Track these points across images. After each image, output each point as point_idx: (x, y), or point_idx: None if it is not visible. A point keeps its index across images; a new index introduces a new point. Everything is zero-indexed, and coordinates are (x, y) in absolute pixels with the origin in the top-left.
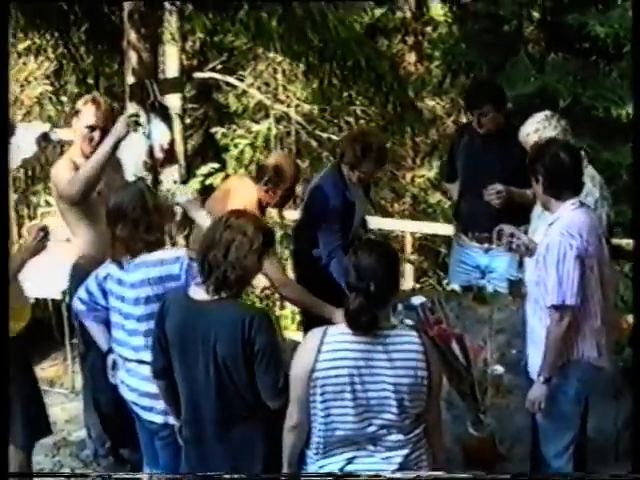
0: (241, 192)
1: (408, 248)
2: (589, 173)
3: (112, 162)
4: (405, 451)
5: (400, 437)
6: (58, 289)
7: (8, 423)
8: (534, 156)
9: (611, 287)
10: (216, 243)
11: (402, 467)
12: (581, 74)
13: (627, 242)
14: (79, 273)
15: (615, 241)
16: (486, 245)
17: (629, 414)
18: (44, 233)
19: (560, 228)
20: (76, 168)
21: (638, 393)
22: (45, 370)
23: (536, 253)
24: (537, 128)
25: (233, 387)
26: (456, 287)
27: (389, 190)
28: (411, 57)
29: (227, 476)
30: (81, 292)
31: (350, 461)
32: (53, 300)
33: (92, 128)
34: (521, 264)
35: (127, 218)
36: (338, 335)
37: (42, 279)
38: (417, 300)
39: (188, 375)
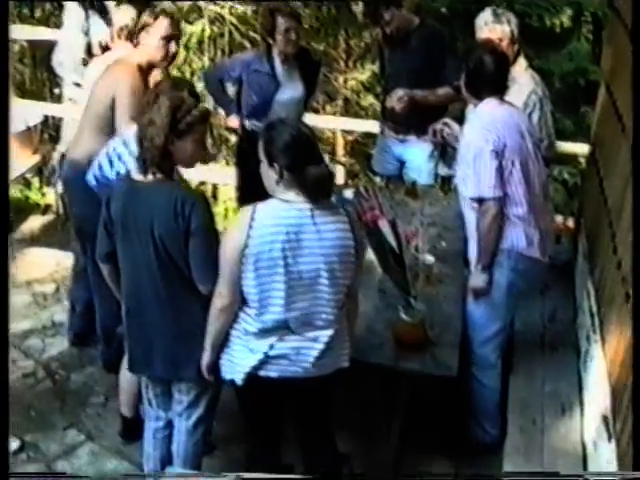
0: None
1: (339, 150)
2: (530, 74)
3: None
4: (331, 331)
5: (329, 315)
6: None
7: (8, 423)
8: (464, 54)
9: (539, 181)
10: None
11: (328, 347)
12: None
13: (563, 146)
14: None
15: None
16: (401, 136)
17: (554, 309)
18: None
19: (477, 124)
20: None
21: (637, 383)
22: None
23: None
24: (486, 21)
25: (172, 267)
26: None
27: (321, 93)
28: None
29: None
30: (93, 169)
31: (280, 339)
32: None
33: (168, 39)
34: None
35: None
36: (269, 210)
37: None
38: (349, 193)
39: (129, 255)
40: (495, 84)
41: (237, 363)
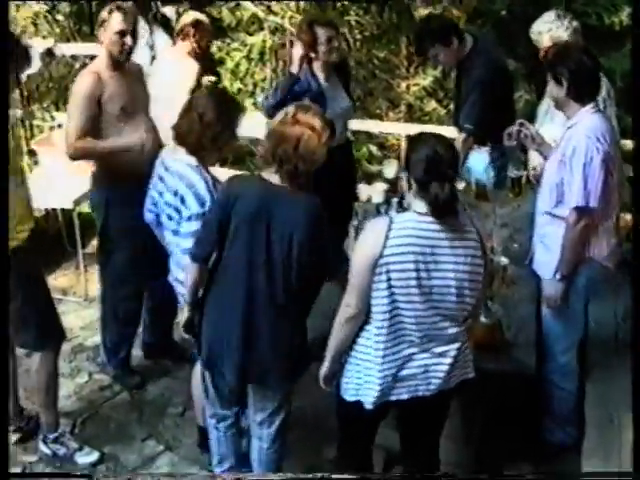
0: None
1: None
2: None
3: (136, 73)
4: (458, 344)
5: (455, 330)
6: (70, 198)
7: (8, 422)
8: (556, 59)
9: (622, 189)
10: (286, 138)
11: (455, 361)
12: None
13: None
14: (99, 182)
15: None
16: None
17: (627, 307)
18: None
19: (585, 132)
20: (100, 80)
21: (637, 388)
22: (57, 280)
23: (559, 155)
24: (550, 27)
25: (287, 270)
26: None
27: (384, 99)
28: None
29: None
30: (147, 203)
31: (409, 359)
32: (63, 210)
33: (122, 33)
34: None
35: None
36: (406, 222)
37: (53, 189)
38: None
39: (239, 255)
40: (595, 87)
41: (363, 384)
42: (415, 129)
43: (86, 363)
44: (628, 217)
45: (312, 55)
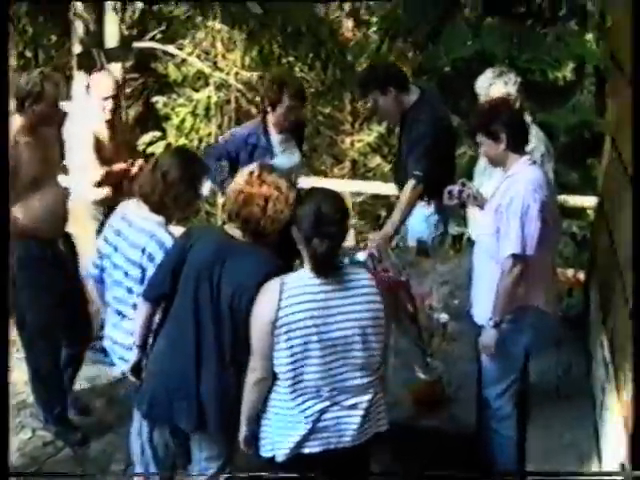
0: None
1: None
2: (535, 130)
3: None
4: (369, 396)
5: (365, 380)
6: None
7: (8, 422)
8: (492, 115)
9: (558, 238)
10: (253, 198)
11: (367, 413)
12: (517, 37)
13: (572, 200)
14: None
15: (563, 199)
16: None
17: (568, 361)
18: None
19: (524, 182)
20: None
21: (637, 389)
22: None
23: (494, 204)
24: (492, 82)
25: (234, 325)
26: (400, 243)
27: (328, 155)
28: (349, 23)
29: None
30: (93, 257)
31: (321, 413)
32: None
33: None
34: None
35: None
36: (297, 280)
37: None
38: (362, 255)
39: (187, 301)
40: (527, 136)
41: (277, 440)
42: (359, 185)
43: (30, 419)
44: (569, 272)
45: (268, 110)
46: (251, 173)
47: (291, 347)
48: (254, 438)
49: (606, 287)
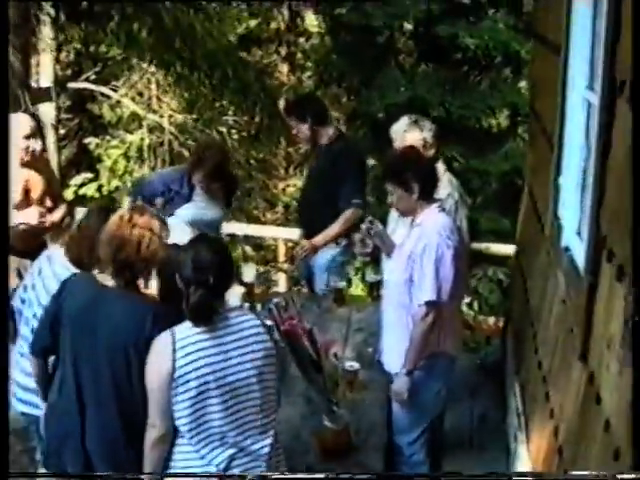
0: None
1: (281, 257)
2: (448, 177)
3: None
4: (270, 439)
5: (265, 421)
6: None
7: (8, 422)
8: (404, 165)
9: (466, 282)
10: (126, 242)
11: (269, 457)
12: (451, 84)
13: (496, 247)
14: None
15: (485, 246)
16: None
17: (484, 410)
18: None
19: (436, 229)
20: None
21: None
22: None
23: (406, 252)
24: (406, 130)
25: (125, 374)
26: (319, 291)
27: (262, 199)
28: (284, 67)
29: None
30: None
31: (230, 460)
32: None
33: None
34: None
35: None
36: (188, 330)
37: None
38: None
39: (73, 353)
40: (437, 187)
41: None
42: (291, 232)
43: None
44: (491, 320)
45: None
46: (121, 217)
47: (191, 397)
48: None
49: (520, 335)
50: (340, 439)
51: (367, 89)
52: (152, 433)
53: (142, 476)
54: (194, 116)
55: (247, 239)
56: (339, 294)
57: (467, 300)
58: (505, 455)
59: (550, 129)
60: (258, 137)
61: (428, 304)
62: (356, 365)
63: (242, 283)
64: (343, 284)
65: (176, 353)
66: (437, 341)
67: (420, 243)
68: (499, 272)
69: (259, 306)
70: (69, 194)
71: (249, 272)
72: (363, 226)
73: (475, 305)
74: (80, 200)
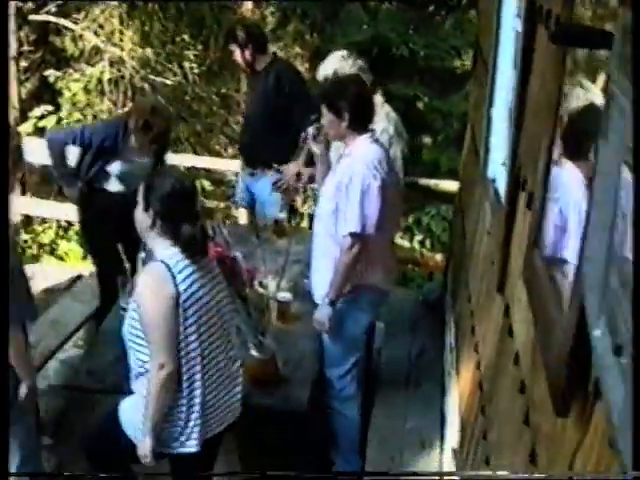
0: None
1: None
2: (386, 111)
3: None
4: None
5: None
6: None
7: (8, 422)
8: (336, 93)
9: (398, 218)
10: None
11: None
12: (415, 24)
13: (451, 184)
14: None
15: (434, 182)
16: (250, 169)
17: (422, 346)
18: None
19: (363, 160)
20: None
21: (637, 389)
22: None
23: (334, 182)
24: (335, 67)
25: None
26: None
27: (223, 135)
28: (248, 4)
29: None
30: None
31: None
32: None
33: None
34: None
35: None
36: (178, 260)
37: None
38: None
39: None
40: (372, 117)
41: (183, 434)
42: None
43: None
44: (438, 257)
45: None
46: None
47: (195, 322)
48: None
49: (456, 271)
50: (266, 369)
51: (331, 26)
52: (161, 376)
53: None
54: (156, 50)
55: (208, 174)
56: (279, 226)
57: (419, 238)
58: (439, 392)
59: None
60: (220, 72)
61: (352, 235)
62: (288, 296)
63: None
64: (283, 215)
65: (176, 279)
66: (363, 274)
67: (347, 174)
68: (450, 210)
69: None
70: (29, 127)
71: None
72: (310, 130)
73: (427, 243)
74: (39, 132)
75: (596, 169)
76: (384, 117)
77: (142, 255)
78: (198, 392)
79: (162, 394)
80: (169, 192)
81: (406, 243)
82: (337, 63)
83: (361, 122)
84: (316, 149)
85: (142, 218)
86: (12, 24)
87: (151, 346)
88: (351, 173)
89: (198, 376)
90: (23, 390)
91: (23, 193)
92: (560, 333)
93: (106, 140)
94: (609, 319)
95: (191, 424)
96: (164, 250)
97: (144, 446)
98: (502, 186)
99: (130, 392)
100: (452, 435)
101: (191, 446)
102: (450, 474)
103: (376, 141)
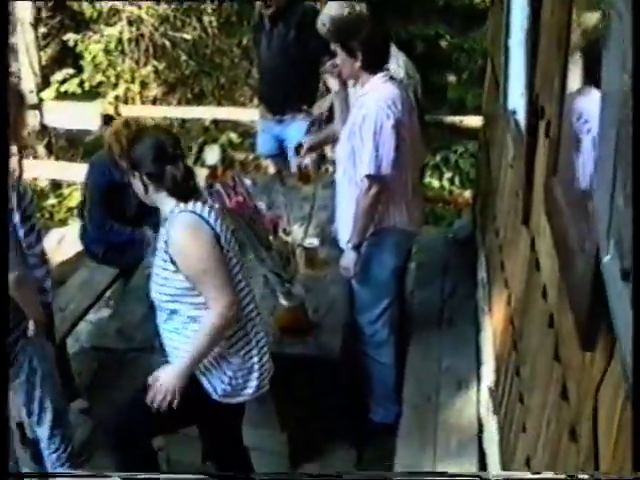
0: None
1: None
2: (394, 53)
3: None
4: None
5: None
6: None
7: (8, 423)
8: (348, 32)
9: (421, 158)
10: None
11: None
12: None
13: (476, 120)
14: None
15: (465, 120)
16: (278, 116)
17: (455, 283)
18: None
19: (376, 100)
20: None
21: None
22: None
23: (349, 124)
24: (339, 11)
25: None
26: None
27: (247, 87)
28: None
29: None
30: None
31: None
32: None
33: None
34: None
35: None
36: (203, 208)
37: None
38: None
39: None
40: (387, 57)
41: (242, 378)
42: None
43: None
44: (467, 194)
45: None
46: None
47: (237, 262)
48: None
49: (484, 207)
50: (295, 316)
51: None
52: (222, 316)
53: (140, 475)
54: (173, 6)
55: (235, 126)
56: (305, 172)
57: (448, 175)
58: (474, 328)
59: None
60: (239, 24)
61: (369, 177)
62: (315, 242)
63: (207, 166)
64: (308, 161)
65: (209, 221)
66: (386, 216)
67: (360, 114)
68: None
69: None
70: (51, 92)
71: (212, 155)
72: (328, 63)
73: (457, 180)
74: (63, 97)
75: (602, 79)
76: (393, 59)
77: None
78: (253, 334)
79: (214, 337)
80: (147, 148)
81: (435, 182)
82: (340, 8)
83: (375, 62)
84: (332, 85)
85: (137, 186)
86: None
87: (208, 293)
88: (364, 114)
89: (254, 314)
90: (31, 326)
91: (49, 157)
92: (581, 264)
93: (106, 186)
94: (617, 242)
95: (252, 366)
96: (175, 207)
97: (177, 377)
98: (522, 117)
99: (161, 348)
100: (488, 373)
101: (251, 387)
102: (443, 474)
103: (391, 79)
